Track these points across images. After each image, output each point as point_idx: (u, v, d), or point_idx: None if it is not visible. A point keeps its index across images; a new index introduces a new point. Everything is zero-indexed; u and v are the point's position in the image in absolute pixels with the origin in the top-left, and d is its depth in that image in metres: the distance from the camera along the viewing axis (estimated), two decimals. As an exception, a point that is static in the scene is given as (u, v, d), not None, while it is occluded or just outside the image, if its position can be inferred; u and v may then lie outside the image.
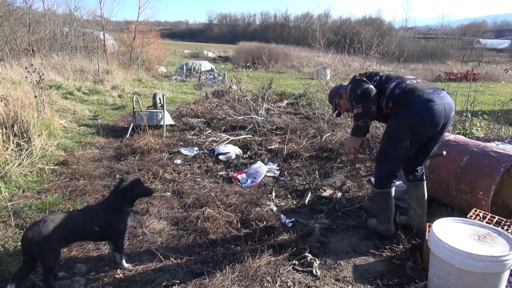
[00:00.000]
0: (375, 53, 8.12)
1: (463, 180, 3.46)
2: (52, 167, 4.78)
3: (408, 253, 2.97)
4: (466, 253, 2.19)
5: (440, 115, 2.82)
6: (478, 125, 6.19)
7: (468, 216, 3.02)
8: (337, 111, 3.49)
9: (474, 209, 3.17)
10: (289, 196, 4.18)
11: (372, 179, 4.53)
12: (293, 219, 3.57)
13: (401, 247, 3.03)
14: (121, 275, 2.64)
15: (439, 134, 3.00)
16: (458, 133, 5.33)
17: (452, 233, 2.43)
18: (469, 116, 6.13)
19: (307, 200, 4.00)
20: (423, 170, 3.31)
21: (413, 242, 3.10)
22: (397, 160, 3.06)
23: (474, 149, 3.55)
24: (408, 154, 3.02)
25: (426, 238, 2.74)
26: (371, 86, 2.93)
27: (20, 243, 2.94)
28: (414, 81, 2.98)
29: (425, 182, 3.28)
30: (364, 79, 3.06)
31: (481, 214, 3.07)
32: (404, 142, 2.91)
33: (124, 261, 2.72)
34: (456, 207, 3.62)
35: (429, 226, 2.85)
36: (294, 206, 3.91)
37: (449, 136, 3.87)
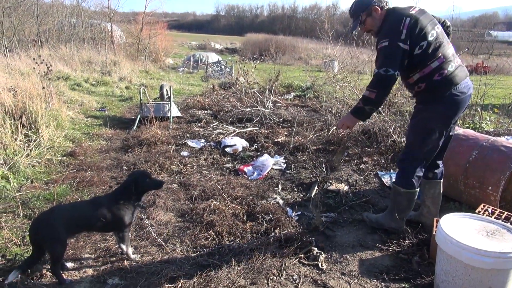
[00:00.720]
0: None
1: (472, 175, 3.42)
2: (60, 158, 4.82)
3: (415, 247, 2.95)
4: (474, 249, 2.17)
5: (466, 104, 2.83)
6: (488, 119, 6.11)
7: (477, 211, 2.99)
8: (358, 28, 2.97)
9: (483, 204, 3.14)
10: (295, 189, 4.17)
11: (380, 173, 4.50)
12: (299, 213, 3.57)
13: (407, 241, 3.01)
14: (127, 266, 2.66)
15: (457, 119, 2.98)
16: (467, 127, 5.26)
17: (460, 229, 2.40)
18: (478, 110, 6.05)
19: (313, 194, 3.99)
20: (443, 167, 3.18)
21: (420, 237, 3.08)
22: (428, 156, 2.91)
23: (484, 143, 3.50)
24: (438, 147, 2.89)
25: (434, 233, 2.72)
26: (397, 74, 2.65)
27: (28, 233, 2.97)
28: (454, 66, 2.74)
29: (442, 180, 3.18)
30: (403, 48, 2.62)
31: (489, 210, 3.03)
32: (434, 133, 2.81)
33: (130, 252, 2.74)
34: (464, 202, 3.58)
35: (437, 221, 2.82)
36: (300, 200, 3.90)
37: (458, 130, 3.82)
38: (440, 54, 2.71)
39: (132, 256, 2.75)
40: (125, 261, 2.71)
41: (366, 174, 4.54)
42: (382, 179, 4.36)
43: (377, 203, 3.82)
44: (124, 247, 2.70)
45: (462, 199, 3.59)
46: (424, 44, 2.67)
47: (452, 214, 2.59)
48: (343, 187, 4.12)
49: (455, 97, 2.74)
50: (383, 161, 4.87)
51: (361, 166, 4.76)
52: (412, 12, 2.74)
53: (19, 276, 2.40)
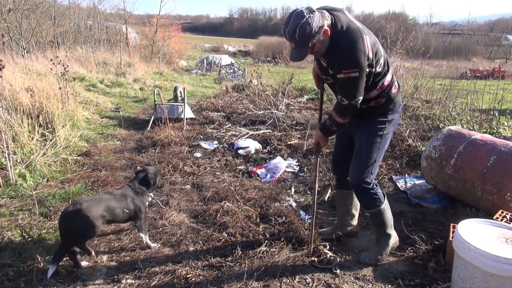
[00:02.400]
0: (400, 49, 7.94)
1: (489, 181, 3.35)
2: (75, 157, 4.88)
3: (430, 253, 2.90)
4: (493, 255, 2.12)
5: None
6: (506, 124, 6.00)
7: (495, 217, 2.93)
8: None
9: (501, 210, 3.08)
10: (308, 192, 4.14)
11: (394, 177, 4.44)
12: (313, 216, 3.54)
13: (423, 247, 2.96)
14: (141, 265, 2.67)
15: None
16: (484, 132, 5.17)
17: (478, 235, 2.35)
18: (496, 115, 5.94)
19: (327, 197, 3.96)
20: None
21: (436, 242, 3.03)
22: None
23: (502, 148, 3.43)
24: None
25: (450, 239, 2.67)
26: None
27: (44, 231, 3.02)
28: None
29: None
30: (369, 71, 2.38)
31: (508, 216, 2.97)
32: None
33: (149, 241, 2.91)
34: (481, 208, 3.51)
35: (454, 227, 2.77)
36: (313, 203, 3.88)
37: (475, 135, 3.75)
38: (389, 65, 2.57)
39: (152, 244, 2.89)
40: (139, 261, 2.73)
41: (380, 178, 4.49)
42: (397, 183, 4.31)
43: (391, 207, 3.76)
44: (143, 235, 2.86)
45: (479, 205, 3.52)
46: (381, 60, 2.45)
47: (470, 220, 2.54)
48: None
49: (401, 104, 2.75)
50: (397, 165, 4.81)
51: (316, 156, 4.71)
52: (356, 22, 2.41)
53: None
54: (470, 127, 5.30)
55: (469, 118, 5.64)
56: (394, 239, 2.90)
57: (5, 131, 4.05)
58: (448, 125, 5.00)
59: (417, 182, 4.30)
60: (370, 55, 2.33)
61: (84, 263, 2.67)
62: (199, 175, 4.48)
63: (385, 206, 2.79)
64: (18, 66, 8.42)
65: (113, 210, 2.72)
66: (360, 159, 2.69)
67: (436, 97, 7.18)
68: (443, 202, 3.83)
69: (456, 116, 5.82)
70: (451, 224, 2.88)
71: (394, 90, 2.60)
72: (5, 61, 6.12)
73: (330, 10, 2.37)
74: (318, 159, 2.96)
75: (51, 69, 6.67)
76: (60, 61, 6.68)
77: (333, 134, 2.81)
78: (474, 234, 2.36)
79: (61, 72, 6.46)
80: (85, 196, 3.39)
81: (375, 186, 2.72)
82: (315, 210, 2.94)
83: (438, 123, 5.73)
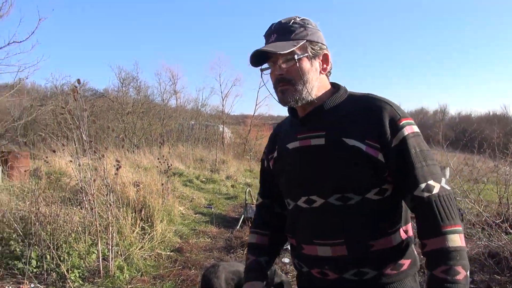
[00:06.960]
0: (509, 157, 7.26)
1: None
2: (168, 253, 5.02)
3: None
4: None
5: None
6: None
7: None
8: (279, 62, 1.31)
9: None
10: None
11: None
12: None
13: None
14: None
15: None
16: None
17: None
18: None
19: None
20: None
21: None
22: None
23: None
24: None
25: None
26: None
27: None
28: None
29: None
30: None
31: None
32: None
33: None
34: None
35: None
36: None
37: None
38: None
39: None
40: None
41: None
42: (522, 317, 3.60)
43: None
44: None
45: None
46: None
47: None
48: None
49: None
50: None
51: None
52: None
53: None
54: None
55: None
56: None
57: (112, 224, 4.38)
58: None
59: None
60: None
61: None
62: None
63: None
64: (128, 161, 9.44)
65: (239, 275, 3.24)
66: None
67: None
68: None
69: None
70: None
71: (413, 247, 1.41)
72: (119, 157, 6.90)
73: None
74: None
75: (157, 166, 7.33)
76: (166, 159, 7.34)
77: None
78: None
79: (165, 169, 7.05)
80: (222, 262, 3.98)
81: None
82: None
83: None
